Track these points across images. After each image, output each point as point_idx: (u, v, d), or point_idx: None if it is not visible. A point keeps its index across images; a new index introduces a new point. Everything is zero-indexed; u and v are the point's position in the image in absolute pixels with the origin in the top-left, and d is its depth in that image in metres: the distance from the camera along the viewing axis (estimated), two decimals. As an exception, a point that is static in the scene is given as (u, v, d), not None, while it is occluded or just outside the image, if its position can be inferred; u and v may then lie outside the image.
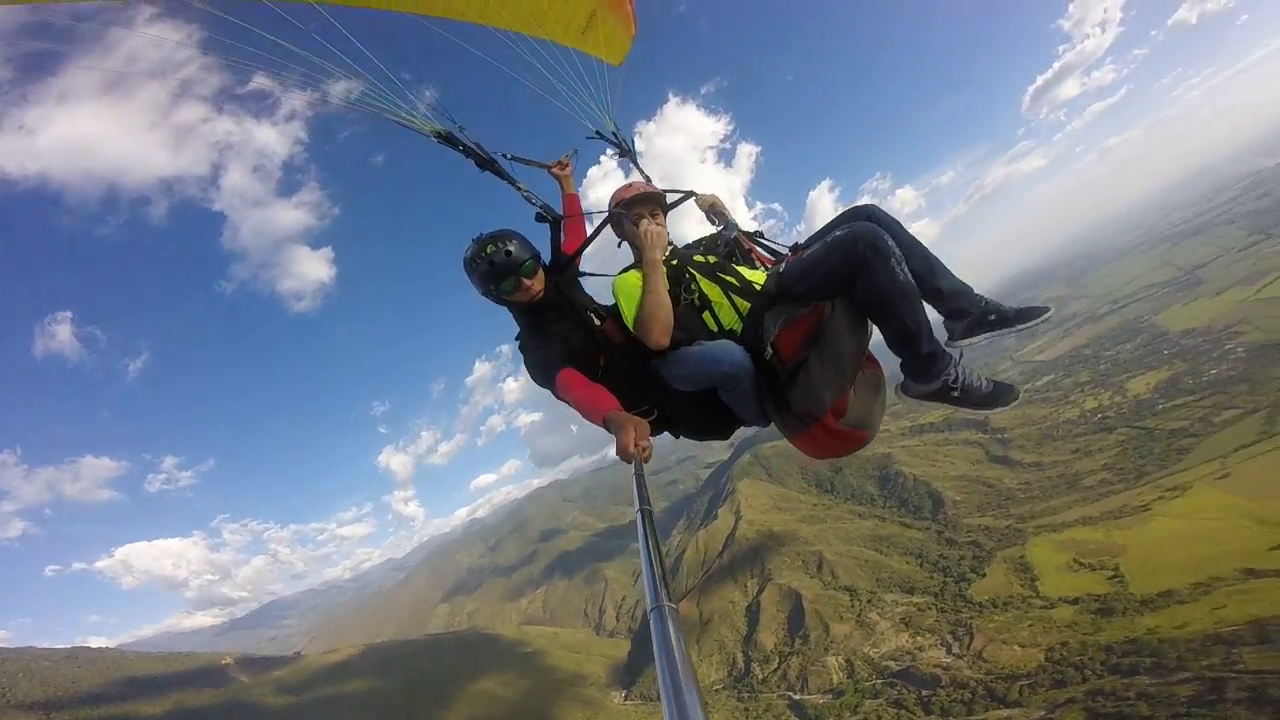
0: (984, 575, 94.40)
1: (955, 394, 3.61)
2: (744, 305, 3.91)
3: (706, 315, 3.94)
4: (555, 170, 5.14)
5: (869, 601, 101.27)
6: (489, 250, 3.75)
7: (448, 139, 4.45)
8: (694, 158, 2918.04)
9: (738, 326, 3.86)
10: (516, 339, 4.06)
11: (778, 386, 3.66)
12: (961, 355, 3.65)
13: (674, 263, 4.04)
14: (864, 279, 3.34)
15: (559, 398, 3.70)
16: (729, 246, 4.41)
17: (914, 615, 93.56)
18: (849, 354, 3.66)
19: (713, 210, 4.81)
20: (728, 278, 4.00)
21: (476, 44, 5.68)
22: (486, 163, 4.50)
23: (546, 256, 4.15)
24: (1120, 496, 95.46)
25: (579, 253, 4.38)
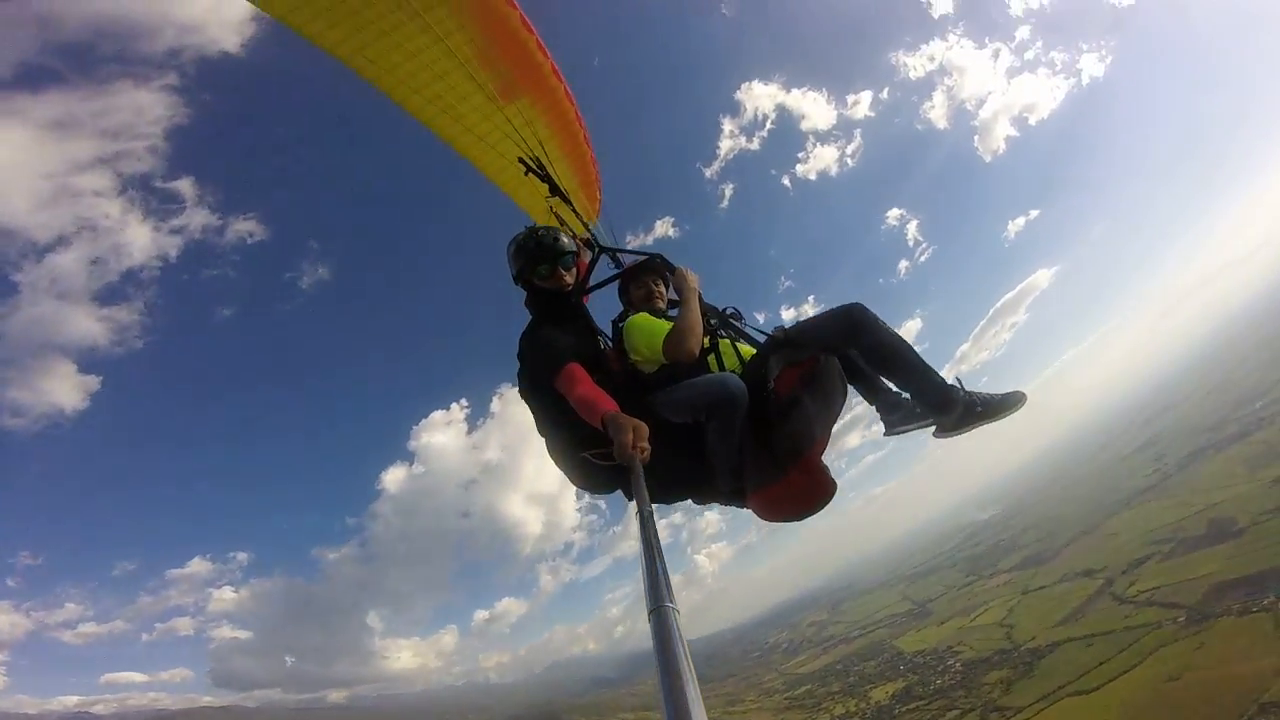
0: None
1: (979, 409, 4.00)
2: (747, 351, 4.32)
3: (711, 358, 4.23)
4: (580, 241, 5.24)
5: None
6: (541, 234, 4.15)
7: (535, 165, 4.94)
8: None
9: (738, 370, 4.13)
10: (524, 334, 4.11)
11: (763, 428, 3.88)
12: (961, 383, 4.05)
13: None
14: (867, 336, 3.92)
15: (557, 389, 3.63)
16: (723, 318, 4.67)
17: None
18: (836, 397, 4.16)
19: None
20: (733, 323, 4.58)
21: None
22: (560, 192, 5.00)
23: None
24: None
25: (595, 288, 4.80)
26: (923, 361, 3.98)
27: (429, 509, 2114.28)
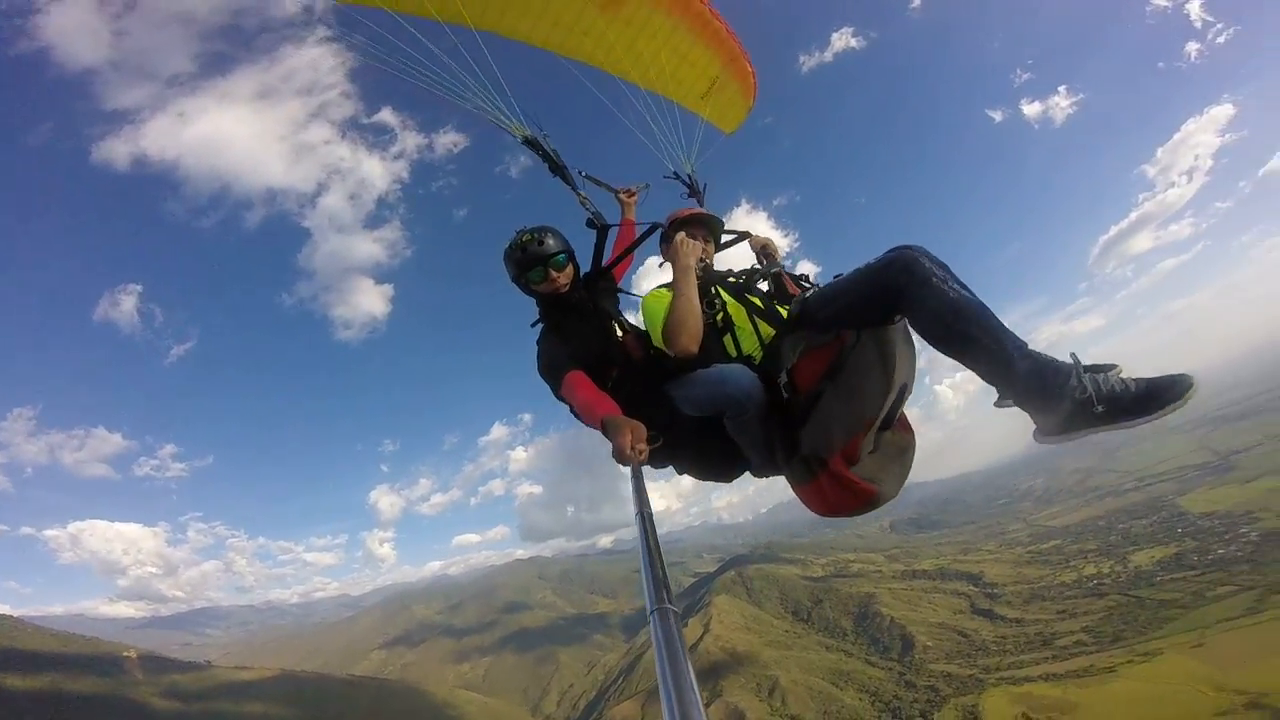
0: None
1: (1099, 410, 2.76)
2: (767, 332, 3.71)
3: (727, 339, 3.75)
4: (622, 195, 5.21)
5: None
6: (525, 239, 3.87)
7: (532, 143, 4.73)
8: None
9: (758, 354, 3.64)
10: (536, 331, 4.04)
11: (790, 425, 3.39)
12: (1078, 362, 2.83)
13: (701, 278, 3.93)
14: (909, 307, 3.03)
15: (560, 397, 3.66)
16: (768, 280, 4.12)
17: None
18: (868, 391, 3.28)
19: (764, 251, 4.58)
20: (754, 299, 3.87)
21: (584, 72, 5.95)
22: (558, 169, 4.72)
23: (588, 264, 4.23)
24: (1090, 658, 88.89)
25: (618, 260, 4.45)
26: (1006, 340, 2.90)
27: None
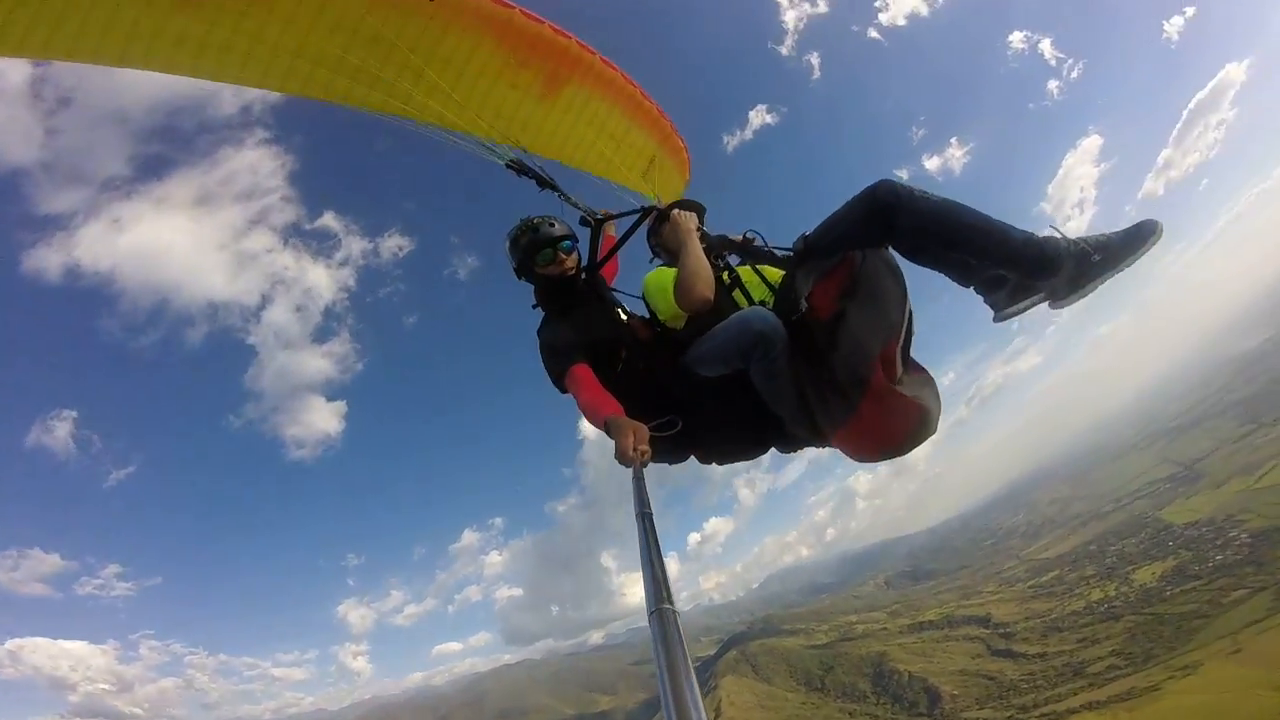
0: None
1: (1097, 258, 3.19)
2: (774, 276, 3.90)
3: (737, 293, 3.94)
4: (600, 214, 5.35)
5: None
6: (536, 221, 4.06)
7: (518, 165, 4.91)
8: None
9: (770, 299, 3.80)
10: (537, 333, 4.03)
11: (817, 361, 3.39)
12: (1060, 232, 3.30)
13: (704, 245, 4.04)
14: (904, 215, 3.20)
15: (564, 389, 3.63)
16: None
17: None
18: (889, 297, 3.44)
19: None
20: (751, 248, 4.05)
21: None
22: (547, 183, 4.87)
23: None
24: (1129, 680, 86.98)
25: (608, 257, 4.56)
26: (995, 221, 3.22)
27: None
